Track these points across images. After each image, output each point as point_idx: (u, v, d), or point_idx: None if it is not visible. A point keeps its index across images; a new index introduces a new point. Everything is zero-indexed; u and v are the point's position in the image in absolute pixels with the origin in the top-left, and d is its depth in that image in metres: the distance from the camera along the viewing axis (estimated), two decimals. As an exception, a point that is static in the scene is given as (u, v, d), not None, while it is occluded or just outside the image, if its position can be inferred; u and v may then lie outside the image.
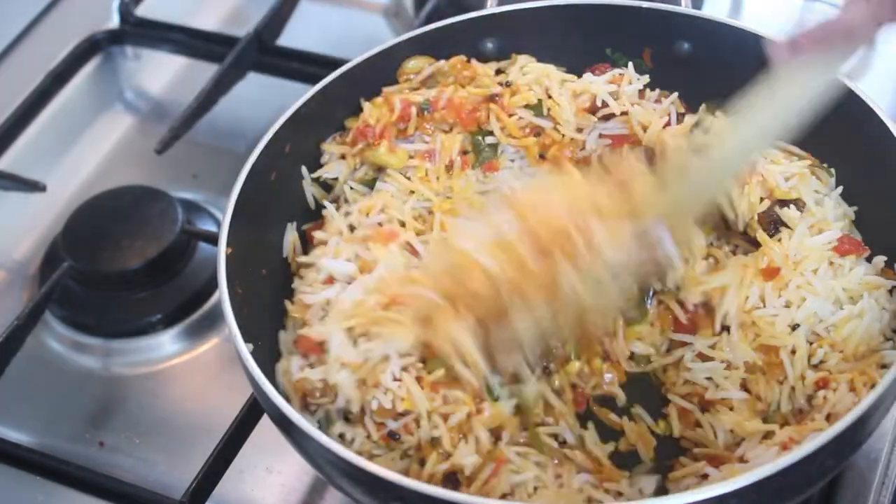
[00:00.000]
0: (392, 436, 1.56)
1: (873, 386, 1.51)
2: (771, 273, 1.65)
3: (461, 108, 1.82)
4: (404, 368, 1.57)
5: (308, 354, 1.62)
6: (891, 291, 1.67)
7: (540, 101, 1.83)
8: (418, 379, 1.57)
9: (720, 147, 1.60)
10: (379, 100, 1.86)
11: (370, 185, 1.85)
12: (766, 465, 1.37)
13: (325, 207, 1.84)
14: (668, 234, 1.59)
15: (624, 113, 1.82)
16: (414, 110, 1.82)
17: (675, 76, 1.90)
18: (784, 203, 1.72)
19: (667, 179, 1.61)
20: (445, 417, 1.55)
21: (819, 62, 1.51)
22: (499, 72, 1.91)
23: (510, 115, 1.83)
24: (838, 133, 1.72)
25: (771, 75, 1.54)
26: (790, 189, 1.73)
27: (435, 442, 1.55)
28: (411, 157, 1.83)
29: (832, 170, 1.78)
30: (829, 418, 1.55)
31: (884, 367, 1.58)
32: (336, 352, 1.59)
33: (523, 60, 1.90)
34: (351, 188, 1.85)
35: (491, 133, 1.84)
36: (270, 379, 1.54)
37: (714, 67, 1.85)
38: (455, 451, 1.54)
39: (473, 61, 1.90)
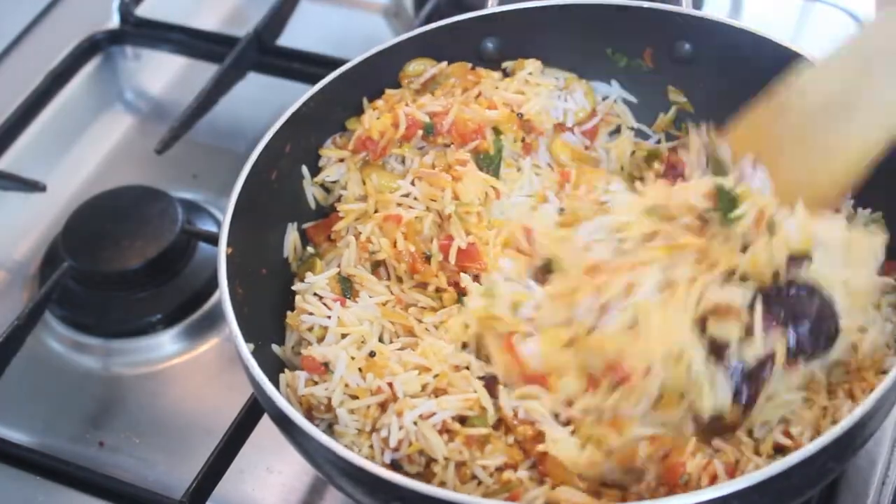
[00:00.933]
0: (393, 464, 1.55)
1: (871, 390, 1.50)
2: None
3: (465, 130, 1.80)
4: (421, 416, 1.54)
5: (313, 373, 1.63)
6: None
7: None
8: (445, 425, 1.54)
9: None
10: (381, 103, 1.85)
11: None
12: (767, 466, 1.38)
13: (325, 207, 1.84)
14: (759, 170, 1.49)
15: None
16: (419, 133, 1.80)
17: (675, 76, 1.90)
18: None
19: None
20: (459, 465, 1.54)
21: None
22: (504, 73, 1.92)
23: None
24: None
25: None
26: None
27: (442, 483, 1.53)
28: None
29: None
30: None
31: (883, 372, 1.57)
32: (340, 373, 1.59)
33: (530, 66, 1.90)
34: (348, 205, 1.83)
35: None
36: (271, 379, 1.54)
37: (714, 67, 1.86)
38: (462, 486, 1.53)
39: (479, 68, 1.90)
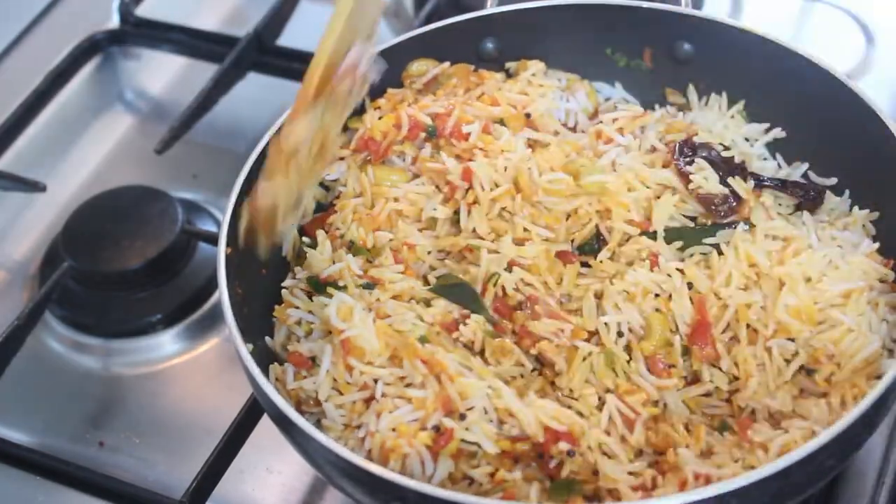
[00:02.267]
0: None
1: (863, 396, 1.49)
2: None
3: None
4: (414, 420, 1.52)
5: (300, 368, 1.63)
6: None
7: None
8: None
9: None
10: (383, 102, 1.85)
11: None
12: (766, 465, 1.38)
13: (325, 207, 1.84)
14: None
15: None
16: (422, 135, 1.79)
17: (676, 76, 1.90)
18: None
19: None
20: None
21: None
22: (507, 74, 1.91)
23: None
24: (840, 136, 1.73)
25: None
26: None
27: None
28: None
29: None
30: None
31: (878, 377, 1.55)
32: (326, 368, 1.59)
33: (533, 67, 1.89)
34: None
35: None
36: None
37: (714, 67, 1.86)
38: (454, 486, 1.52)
39: (482, 70, 1.90)
